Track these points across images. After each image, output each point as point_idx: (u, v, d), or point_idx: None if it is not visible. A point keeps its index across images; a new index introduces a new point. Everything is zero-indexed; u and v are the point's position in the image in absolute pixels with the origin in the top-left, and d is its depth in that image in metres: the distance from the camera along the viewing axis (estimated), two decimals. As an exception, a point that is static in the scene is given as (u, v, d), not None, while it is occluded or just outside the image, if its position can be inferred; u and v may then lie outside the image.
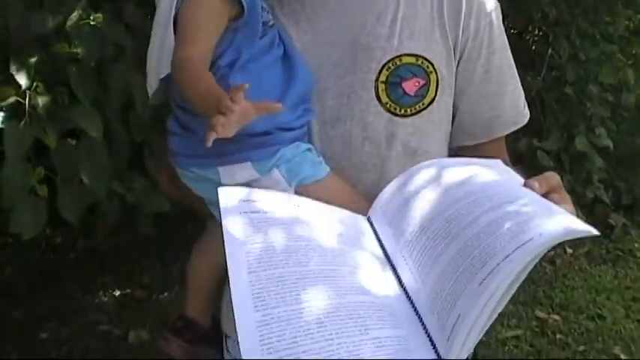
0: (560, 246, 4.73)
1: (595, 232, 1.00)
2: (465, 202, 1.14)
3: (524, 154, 4.74)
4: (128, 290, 4.29)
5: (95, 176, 2.20)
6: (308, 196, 1.30)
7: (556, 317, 4.06)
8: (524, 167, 4.34)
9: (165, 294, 4.17)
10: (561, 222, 1.02)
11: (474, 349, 1.72)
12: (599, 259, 4.65)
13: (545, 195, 1.16)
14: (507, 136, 1.62)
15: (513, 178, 1.23)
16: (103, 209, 2.52)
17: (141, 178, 2.49)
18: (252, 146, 1.30)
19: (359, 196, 1.40)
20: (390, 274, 1.16)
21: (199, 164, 1.36)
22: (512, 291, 1.01)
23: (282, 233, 1.15)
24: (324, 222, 1.22)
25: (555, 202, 1.14)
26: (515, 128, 1.58)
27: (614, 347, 3.79)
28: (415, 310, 1.09)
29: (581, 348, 3.79)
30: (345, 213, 1.30)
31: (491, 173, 1.23)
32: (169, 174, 1.46)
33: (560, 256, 4.65)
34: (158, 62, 1.36)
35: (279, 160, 1.32)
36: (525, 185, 1.18)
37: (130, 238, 4.15)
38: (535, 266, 3.54)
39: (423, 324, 1.07)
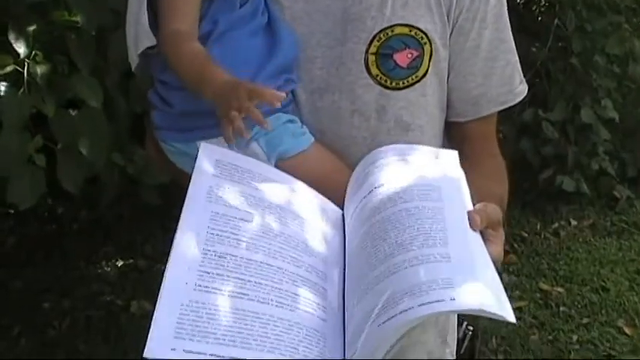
0: (565, 218, 4.73)
1: (511, 318, 0.96)
2: (395, 231, 1.11)
3: (529, 125, 4.72)
4: (130, 260, 4.29)
5: (94, 146, 2.19)
6: (292, 167, 1.27)
7: (560, 289, 4.05)
8: (529, 138, 4.32)
9: (168, 265, 4.16)
10: (479, 295, 0.98)
11: (475, 321, 1.71)
12: (603, 232, 4.63)
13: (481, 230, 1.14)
14: (513, 108, 1.57)
15: (458, 202, 1.17)
16: (104, 180, 2.51)
17: (141, 149, 2.47)
18: None
19: (345, 167, 1.37)
20: (336, 280, 1.15)
21: (179, 138, 1.34)
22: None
23: (248, 206, 1.14)
24: (299, 209, 1.20)
25: (487, 240, 1.13)
26: (502, 107, 1.52)
27: (618, 320, 3.79)
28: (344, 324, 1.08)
29: (585, 320, 3.79)
30: (324, 203, 1.27)
31: (438, 192, 1.18)
32: (157, 147, 1.43)
33: (564, 228, 4.63)
34: (136, 37, 1.34)
35: (258, 134, 1.28)
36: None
37: (132, 208, 4.14)
38: (539, 238, 3.52)
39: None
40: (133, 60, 1.40)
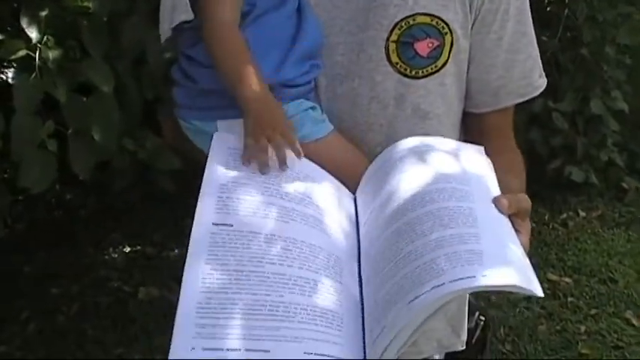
0: (573, 209, 4.72)
1: (539, 293, 0.97)
2: (424, 211, 1.11)
3: (539, 116, 4.70)
4: (138, 247, 4.30)
5: (106, 131, 2.19)
6: (309, 154, 1.26)
7: (568, 280, 4.05)
8: (538, 128, 4.29)
9: (176, 251, 4.17)
10: (509, 272, 0.99)
11: (484, 311, 1.71)
12: (611, 223, 4.62)
13: (510, 216, 1.14)
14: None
15: (485, 188, 1.18)
16: (114, 166, 2.51)
17: (152, 135, 2.47)
18: None
19: (362, 156, 1.38)
20: (354, 268, 1.14)
21: (199, 117, 1.33)
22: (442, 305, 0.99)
23: (261, 193, 1.14)
24: (312, 193, 1.20)
25: (515, 228, 1.13)
26: (521, 100, 1.53)
27: (626, 311, 3.78)
28: (363, 308, 1.08)
29: (593, 311, 3.78)
30: (334, 187, 1.27)
31: (465, 178, 1.18)
32: (173, 124, 1.43)
33: (572, 219, 4.63)
34: (172, 9, 1.34)
35: None
36: (494, 201, 1.15)
37: (142, 196, 4.15)
38: (547, 228, 3.51)
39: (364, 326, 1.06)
40: (164, 33, 1.39)
